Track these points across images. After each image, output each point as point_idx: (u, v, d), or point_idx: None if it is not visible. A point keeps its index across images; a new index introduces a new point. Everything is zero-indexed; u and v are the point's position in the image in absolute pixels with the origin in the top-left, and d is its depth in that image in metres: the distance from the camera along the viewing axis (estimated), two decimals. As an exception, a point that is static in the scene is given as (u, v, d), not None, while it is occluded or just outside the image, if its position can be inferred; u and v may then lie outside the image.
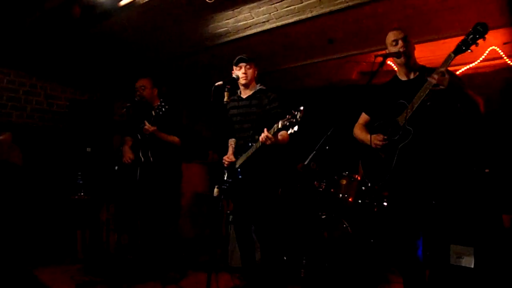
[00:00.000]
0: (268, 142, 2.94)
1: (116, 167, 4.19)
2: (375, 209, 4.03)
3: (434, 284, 3.04)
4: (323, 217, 3.91)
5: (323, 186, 4.19)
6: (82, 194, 4.66)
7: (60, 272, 3.97)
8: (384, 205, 4.03)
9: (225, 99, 3.19)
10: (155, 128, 3.90)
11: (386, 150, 2.79)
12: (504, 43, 4.35)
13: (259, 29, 4.35)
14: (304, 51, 5.10)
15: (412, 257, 2.70)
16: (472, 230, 3.01)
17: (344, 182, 4.11)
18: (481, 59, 4.63)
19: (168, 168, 4.10)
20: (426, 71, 2.71)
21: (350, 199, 4.03)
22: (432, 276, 3.06)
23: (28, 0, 4.06)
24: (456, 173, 2.70)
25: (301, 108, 2.65)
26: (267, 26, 4.27)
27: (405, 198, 2.72)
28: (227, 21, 4.29)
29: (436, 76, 2.45)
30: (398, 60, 2.83)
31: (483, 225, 3.05)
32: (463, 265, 2.84)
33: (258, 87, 3.40)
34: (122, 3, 3.93)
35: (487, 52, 4.51)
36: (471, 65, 4.78)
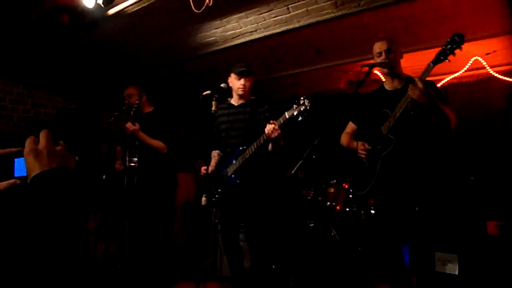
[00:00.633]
0: (275, 134, 2.88)
1: (104, 176, 4.17)
2: (363, 217, 4.06)
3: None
4: (311, 225, 3.93)
5: (311, 195, 4.21)
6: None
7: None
8: (371, 213, 4.06)
9: (213, 108, 3.19)
10: (136, 127, 3.83)
11: (370, 159, 2.83)
12: (487, 54, 4.44)
13: (247, 39, 4.39)
14: (292, 61, 5.14)
15: (398, 265, 2.73)
16: (456, 237, 3.05)
17: (331, 190, 4.13)
18: (465, 69, 4.72)
19: (159, 175, 4.04)
20: (411, 81, 2.76)
21: (338, 207, 4.05)
22: (419, 283, 3.09)
23: (15, 7, 4.04)
24: (439, 181, 2.74)
25: (304, 96, 2.67)
26: (255, 36, 4.31)
27: (389, 206, 2.76)
28: (215, 30, 4.32)
29: (411, 87, 2.52)
30: (383, 70, 2.88)
31: (467, 232, 3.10)
32: (447, 272, 2.88)
33: (251, 97, 3.43)
34: (110, 12, 3.93)
35: (470, 62, 4.60)
36: (455, 75, 4.87)
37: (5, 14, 4.12)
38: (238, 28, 4.23)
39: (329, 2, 3.64)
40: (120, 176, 4.00)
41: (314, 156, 3.76)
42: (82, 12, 3.95)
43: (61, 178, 0.85)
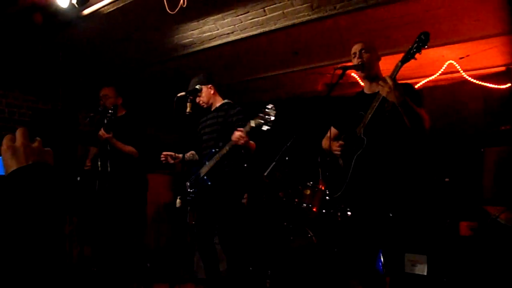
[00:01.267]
0: (242, 141, 2.92)
1: (78, 178, 4.12)
2: (339, 219, 4.08)
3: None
4: (288, 227, 3.94)
5: (283, 195, 4.21)
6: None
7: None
8: (348, 214, 4.08)
9: (188, 109, 3.19)
10: (109, 135, 3.82)
11: (345, 160, 2.84)
12: (460, 58, 4.53)
13: (224, 41, 4.38)
14: (269, 63, 5.15)
15: (371, 266, 2.75)
16: (427, 239, 3.09)
17: (308, 192, 4.13)
18: (439, 72, 4.80)
19: (130, 178, 4.02)
20: None
21: (314, 209, 4.06)
22: (391, 284, 3.12)
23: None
24: (411, 182, 2.76)
25: (271, 105, 2.67)
26: (232, 38, 4.30)
27: (361, 206, 2.77)
28: (192, 32, 4.30)
29: (381, 84, 2.53)
30: (360, 74, 2.89)
31: (438, 233, 3.14)
32: (416, 272, 2.91)
33: (225, 101, 3.46)
34: (85, 12, 3.87)
35: (445, 66, 4.68)
36: (430, 78, 4.95)
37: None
38: (215, 30, 4.22)
39: (305, 5, 3.66)
40: (92, 179, 3.95)
41: (287, 158, 3.78)
42: (56, 12, 3.89)
43: (38, 173, 0.88)
